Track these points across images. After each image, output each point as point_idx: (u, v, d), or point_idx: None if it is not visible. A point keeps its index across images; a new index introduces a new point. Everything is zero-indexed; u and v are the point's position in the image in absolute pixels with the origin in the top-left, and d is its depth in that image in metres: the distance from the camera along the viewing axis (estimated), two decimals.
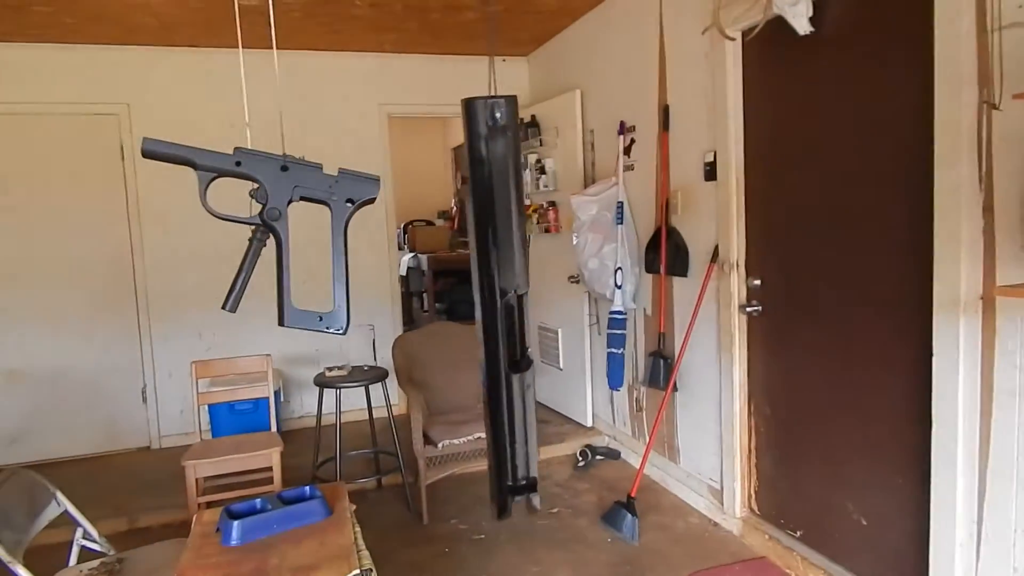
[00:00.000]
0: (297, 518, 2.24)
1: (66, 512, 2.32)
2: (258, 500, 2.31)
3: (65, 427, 4.50)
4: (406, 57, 5.02)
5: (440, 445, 3.44)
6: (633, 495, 3.33)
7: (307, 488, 2.40)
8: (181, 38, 4.36)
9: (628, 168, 3.81)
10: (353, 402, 4.37)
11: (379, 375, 3.60)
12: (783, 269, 2.85)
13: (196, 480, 3.28)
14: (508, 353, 1.01)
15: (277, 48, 4.71)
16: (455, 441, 3.47)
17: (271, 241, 1.22)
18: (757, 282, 2.98)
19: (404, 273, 6.18)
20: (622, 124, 3.81)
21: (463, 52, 5.01)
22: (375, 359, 4.30)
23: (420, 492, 3.45)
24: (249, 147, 1.19)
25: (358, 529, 2.23)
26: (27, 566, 1.95)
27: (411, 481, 3.63)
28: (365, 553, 2.07)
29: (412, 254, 6.22)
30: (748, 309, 2.99)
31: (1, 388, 4.40)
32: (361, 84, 4.97)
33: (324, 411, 3.72)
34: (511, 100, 1.01)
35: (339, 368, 3.60)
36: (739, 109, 2.96)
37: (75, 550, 2.34)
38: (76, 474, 4.26)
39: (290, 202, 1.19)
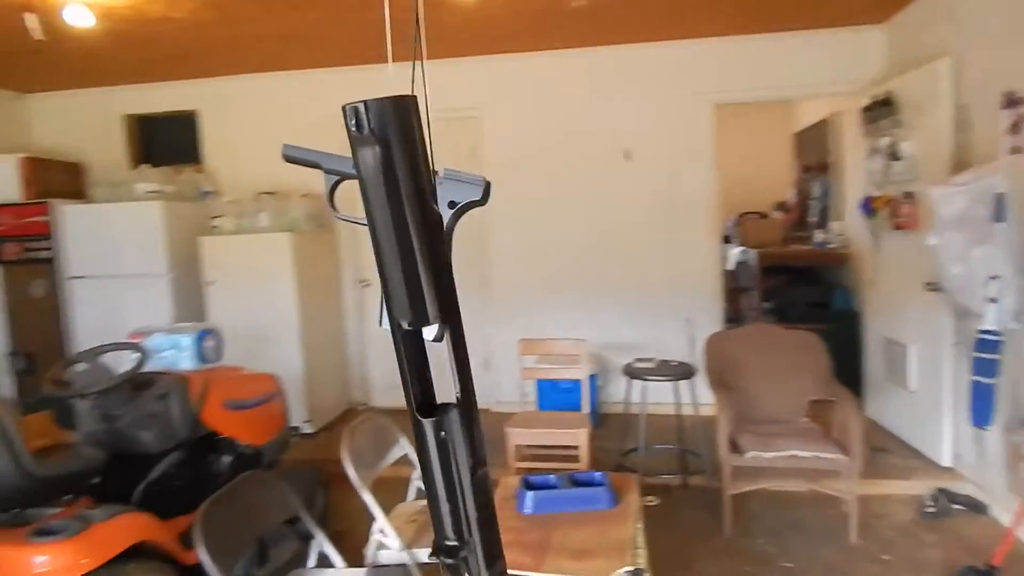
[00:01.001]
0: (585, 501, 2.33)
1: (407, 455, 2.77)
2: (553, 476, 2.46)
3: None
4: (732, 40, 4.75)
5: (748, 455, 3.23)
6: (997, 563, 2.69)
7: (598, 474, 2.47)
8: (521, 44, 4.81)
9: (1015, 151, 3.02)
10: (664, 396, 4.36)
11: (685, 372, 3.52)
12: None
13: (516, 445, 3.64)
14: (416, 394, 0.73)
15: (593, 44, 4.91)
16: (764, 454, 3.22)
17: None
18: None
19: (733, 267, 5.94)
20: (1009, 96, 3.03)
21: (801, 26, 4.55)
22: (692, 355, 4.22)
23: (724, 501, 3.30)
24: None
25: (640, 526, 2.23)
26: (373, 494, 2.39)
27: (716, 487, 3.49)
28: (641, 552, 2.06)
29: (742, 248, 5.93)
30: None
31: (386, 345, 5.45)
32: (681, 73, 4.87)
33: (635, 401, 3.78)
34: (385, 103, 0.76)
35: (647, 360, 3.61)
36: None
37: (412, 488, 2.80)
38: None
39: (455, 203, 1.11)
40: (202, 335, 3.12)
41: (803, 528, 3.34)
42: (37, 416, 2.83)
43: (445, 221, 0.86)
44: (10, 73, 5.09)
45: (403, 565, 2.31)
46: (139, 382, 2.82)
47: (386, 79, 4.90)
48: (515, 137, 5.11)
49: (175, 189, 5.14)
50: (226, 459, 3.08)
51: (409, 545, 2.38)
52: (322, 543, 2.29)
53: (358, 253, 5.43)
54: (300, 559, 2.36)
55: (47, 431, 2.67)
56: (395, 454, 2.73)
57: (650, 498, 3.71)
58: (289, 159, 0.90)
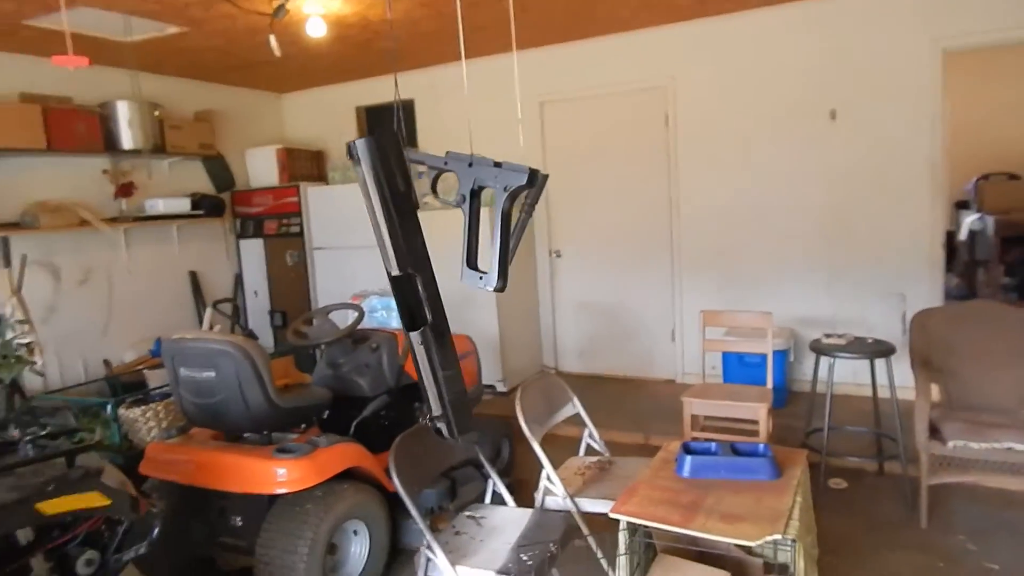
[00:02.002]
0: (744, 470, 2.35)
1: (579, 414, 2.98)
2: (713, 444, 2.50)
3: (612, 351, 5.55)
4: None
5: (951, 444, 2.94)
6: None
7: (761, 446, 2.47)
8: (714, 8, 4.65)
9: None
10: (858, 376, 4.07)
11: (881, 350, 3.27)
12: None
13: (692, 415, 3.67)
14: (405, 317, 1.45)
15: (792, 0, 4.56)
16: (973, 445, 2.91)
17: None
18: None
19: (965, 237, 5.19)
20: None
21: None
22: (903, 332, 3.88)
23: (920, 491, 3.05)
24: (458, 151, 1.61)
25: (799, 499, 2.20)
26: (544, 446, 2.63)
27: (915, 476, 3.23)
28: (796, 524, 2.05)
29: (978, 214, 5.14)
30: None
31: (576, 313, 5.71)
32: (902, 16, 4.35)
33: (827, 380, 3.60)
34: (360, 143, 1.43)
35: (838, 336, 3.41)
36: None
37: (583, 445, 3.00)
38: (615, 390, 5.24)
39: (473, 190, 1.57)
40: None
41: (1016, 529, 2.98)
42: (282, 360, 3.49)
43: (502, 203, 1.60)
44: (271, 78, 6.08)
45: (566, 512, 2.52)
46: (357, 336, 3.35)
47: (512, 67, 5.04)
48: (709, 104, 4.99)
49: None
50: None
51: (574, 494, 2.58)
52: (496, 483, 2.59)
53: (551, 226, 5.71)
54: (483, 498, 2.68)
55: (289, 372, 3.29)
56: (567, 412, 2.94)
57: (837, 480, 3.54)
58: (410, 161, 1.35)
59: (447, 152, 1.76)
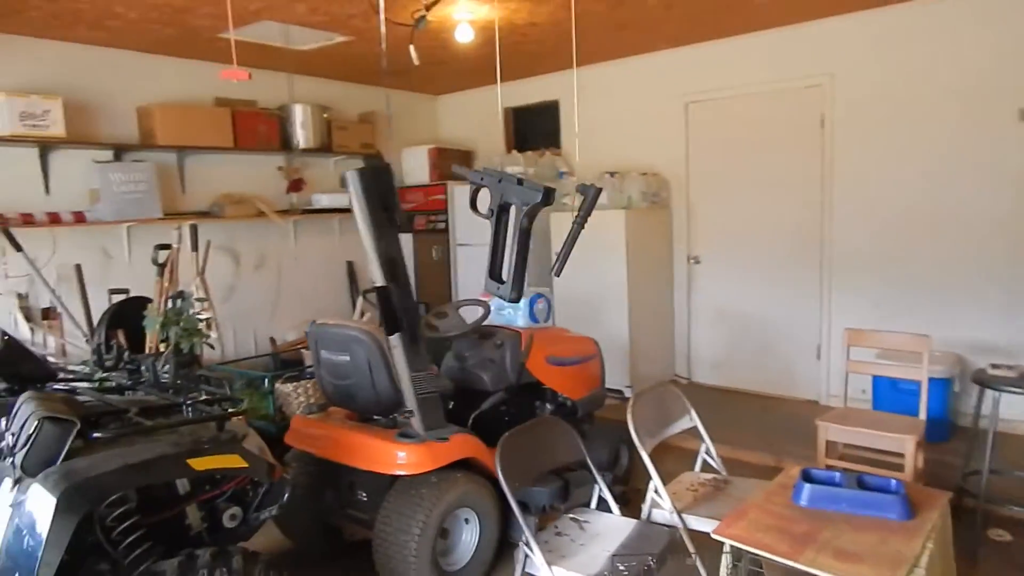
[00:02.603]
0: (869, 506, 2.17)
1: (696, 428, 2.89)
2: (838, 474, 2.33)
3: (750, 364, 5.28)
4: None
5: None
6: None
7: (894, 482, 2.26)
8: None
9: None
10: None
11: None
12: None
13: (829, 442, 3.42)
14: (387, 323, 1.85)
15: None
16: None
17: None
18: None
19: None
20: None
21: None
22: None
23: None
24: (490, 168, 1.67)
25: (932, 546, 1.99)
26: (662, 457, 2.59)
27: None
28: (922, 573, 1.86)
29: None
30: None
31: (712, 322, 5.50)
32: None
33: (991, 416, 3.19)
34: (351, 174, 1.92)
35: (1007, 367, 3.02)
36: None
37: (699, 460, 2.90)
38: (750, 406, 4.99)
39: (501, 204, 1.78)
40: (534, 299, 3.67)
41: None
42: None
43: (519, 219, 1.77)
44: (428, 81, 6.43)
45: (672, 527, 2.46)
46: (483, 332, 3.47)
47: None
48: (872, 103, 4.59)
49: (536, 171, 5.92)
50: (547, 406, 3.59)
51: (682, 510, 2.52)
52: (602, 489, 2.58)
53: (690, 231, 5.54)
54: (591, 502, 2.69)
55: None
56: (683, 424, 2.86)
57: (999, 532, 3.13)
58: (454, 175, 1.50)
59: (483, 168, 1.92)
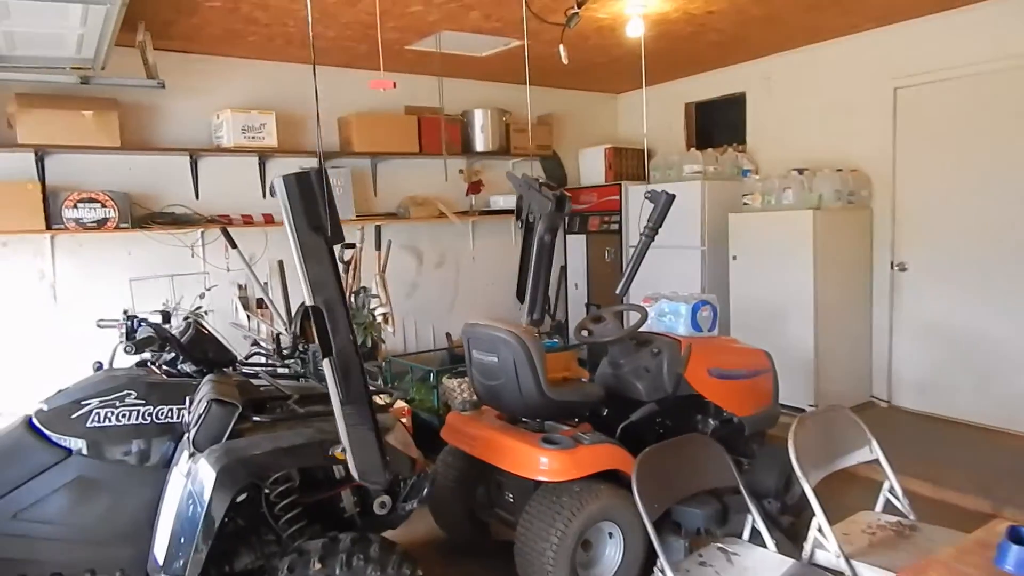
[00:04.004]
0: None
1: (877, 461, 2.50)
2: None
3: (966, 390, 4.50)
4: None
5: None
6: None
7: None
8: None
9: None
10: None
11: None
12: None
13: None
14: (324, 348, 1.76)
15: None
16: None
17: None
18: None
19: None
20: None
21: None
22: None
23: None
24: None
25: None
26: (840, 487, 2.27)
27: None
28: None
29: None
30: None
31: (920, 338, 4.78)
32: None
33: None
34: (279, 180, 1.71)
35: None
36: None
37: (881, 499, 2.51)
38: (963, 439, 4.25)
39: (530, 213, 1.71)
40: (698, 305, 3.43)
41: None
42: (565, 354, 3.65)
43: (538, 231, 1.53)
44: (606, 80, 6.35)
45: (837, 573, 2.15)
46: (641, 339, 3.32)
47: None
48: None
49: (716, 169, 5.57)
50: (711, 422, 3.35)
51: (852, 555, 2.20)
52: (755, 519, 2.34)
53: (895, 235, 4.86)
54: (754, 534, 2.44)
55: (570, 367, 3.42)
56: (860, 456, 2.50)
57: None
58: (512, 183, 1.39)
59: (522, 175, 1.73)
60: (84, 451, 2.14)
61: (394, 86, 3.50)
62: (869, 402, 4.98)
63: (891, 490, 2.49)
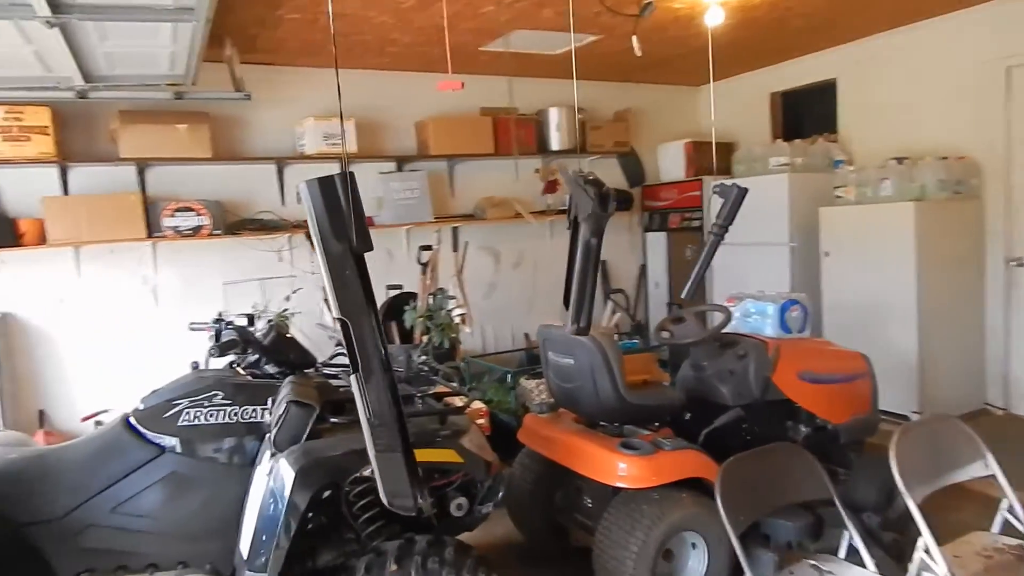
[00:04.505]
0: None
1: (993, 477, 2.28)
2: None
3: None
4: None
5: None
6: None
7: None
8: None
9: None
10: None
11: None
12: None
13: None
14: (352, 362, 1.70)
15: None
16: None
17: None
18: None
19: None
20: None
21: None
22: None
23: None
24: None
25: None
26: (945, 503, 2.09)
27: None
28: None
29: None
30: None
31: None
32: None
33: None
34: (304, 185, 1.61)
35: None
36: None
37: (999, 519, 2.29)
38: None
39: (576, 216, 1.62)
40: (787, 305, 3.24)
41: None
42: (644, 356, 3.54)
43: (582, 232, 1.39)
44: (686, 72, 6.14)
45: None
46: (725, 341, 3.18)
47: None
48: None
49: (804, 161, 5.29)
50: (803, 429, 3.16)
51: None
52: (852, 535, 2.17)
53: (1012, 227, 4.46)
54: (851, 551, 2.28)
55: (650, 369, 3.31)
56: (973, 471, 2.28)
57: None
58: (563, 179, 1.32)
59: (572, 171, 1.63)
60: (176, 449, 2.23)
61: (462, 86, 3.49)
62: (982, 409, 4.59)
63: (1010, 509, 2.26)
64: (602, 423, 2.95)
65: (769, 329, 3.22)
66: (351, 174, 1.63)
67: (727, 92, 6.41)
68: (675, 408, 2.95)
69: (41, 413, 4.50)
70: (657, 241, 6.38)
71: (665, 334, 3.26)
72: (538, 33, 4.57)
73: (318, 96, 5.14)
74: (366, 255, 1.70)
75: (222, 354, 2.33)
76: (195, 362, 2.70)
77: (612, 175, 6.39)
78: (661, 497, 2.56)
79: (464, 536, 2.41)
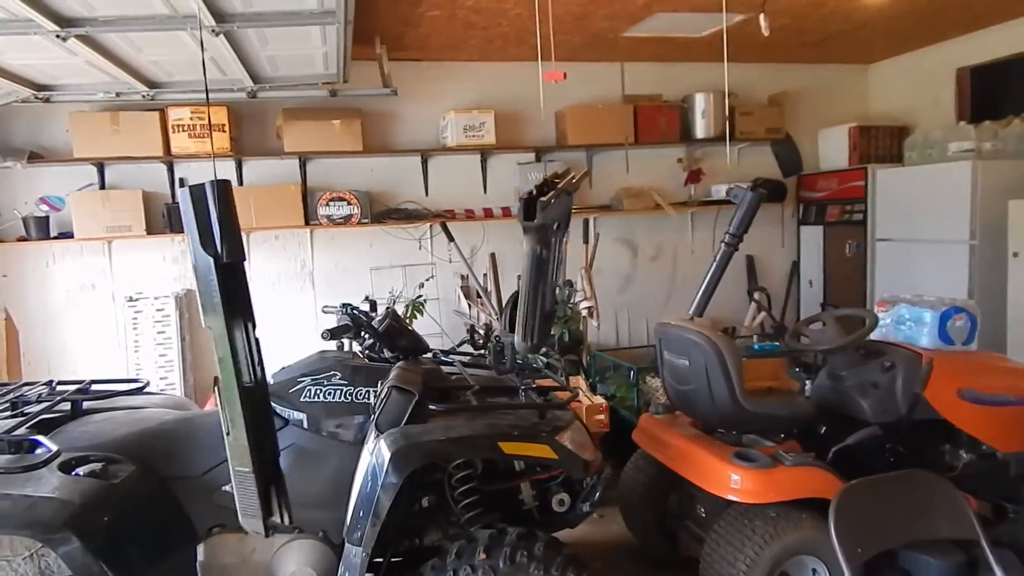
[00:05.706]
0: None
1: None
2: None
3: None
4: None
5: None
6: None
7: None
8: None
9: None
10: None
11: None
12: None
13: None
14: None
15: None
16: None
17: None
18: None
19: None
20: None
21: None
22: None
23: None
24: None
25: None
26: None
27: None
28: None
29: None
30: None
31: None
32: None
33: None
34: (186, 190, 1.54)
35: None
36: None
37: None
38: None
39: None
40: (949, 313, 2.83)
41: None
42: (772, 360, 3.27)
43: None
44: (852, 50, 5.58)
45: None
46: (870, 350, 2.86)
47: None
48: None
49: (994, 146, 4.60)
50: (963, 455, 2.78)
51: None
52: None
53: None
54: None
55: (778, 376, 3.06)
56: None
57: None
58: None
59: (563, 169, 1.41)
60: (299, 422, 2.41)
61: (564, 77, 3.41)
62: None
63: None
64: (720, 430, 2.78)
65: (925, 339, 2.84)
66: (225, 182, 1.59)
67: (902, 69, 5.74)
68: (804, 420, 2.71)
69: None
70: (812, 235, 5.88)
71: (804, 340, 2.99)
72: (680, 16, 4.36)
73: (461, 89, 5.29)
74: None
75: (333, 338, 2.48)
76: (340, 342, 2.86)
77: (764, 164, 5.97)
78: (778, 515, 2.36)
79: (573, 532, 2.40)
